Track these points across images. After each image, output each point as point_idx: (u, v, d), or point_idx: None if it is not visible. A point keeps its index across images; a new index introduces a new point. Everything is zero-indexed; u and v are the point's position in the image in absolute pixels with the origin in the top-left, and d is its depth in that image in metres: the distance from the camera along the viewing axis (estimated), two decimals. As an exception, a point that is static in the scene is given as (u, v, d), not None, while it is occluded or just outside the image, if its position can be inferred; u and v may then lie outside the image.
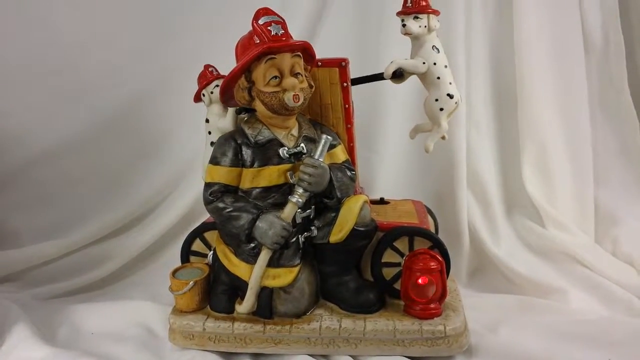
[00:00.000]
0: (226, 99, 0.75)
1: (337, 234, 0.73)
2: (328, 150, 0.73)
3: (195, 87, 0.82)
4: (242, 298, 0.74)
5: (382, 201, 0.91)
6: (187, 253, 0.83)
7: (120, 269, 1.04)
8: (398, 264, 0.77)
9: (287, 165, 0.72)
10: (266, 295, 0.73)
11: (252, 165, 0.72)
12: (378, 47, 1.09)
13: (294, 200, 0.71)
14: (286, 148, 0.73)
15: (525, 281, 0.95)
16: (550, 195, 1.08)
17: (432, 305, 0.74)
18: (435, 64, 0.78)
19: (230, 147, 0.72)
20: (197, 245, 0.82)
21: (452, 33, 1.03)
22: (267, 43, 0.68)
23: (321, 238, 0.74)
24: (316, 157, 0.71)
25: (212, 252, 0.79)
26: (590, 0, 1.09)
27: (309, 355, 0.73)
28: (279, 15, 0.71)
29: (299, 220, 0.73)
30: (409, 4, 0.77)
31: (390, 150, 1.12)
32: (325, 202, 0.75)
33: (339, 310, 0.76)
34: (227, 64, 0.74)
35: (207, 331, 0.74)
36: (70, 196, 1.12)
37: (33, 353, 0.73)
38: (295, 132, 0.75)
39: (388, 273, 0.77)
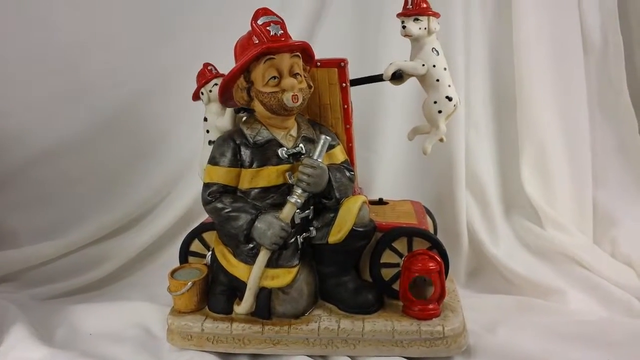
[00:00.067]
0: (225, 99, 0.75)
1: (336, 235, 0.73)
2: (327, 151, 0.73)
3: (195, 87, 0.82)
4: (241, 299, 0.74)
5: (380, 202, 0.91)
6: (185, 253, 0.83)
7: (119, 270, 1.04)
8: (397, 265, 0.77)
9: (286, 166, 0.72)
10: (265, 296, 0.73)
11: (250, 166, 0.72)
12: (377, 48, 1.09)
13: (293, 200, 0.71)
14: (285, 148, 0.73)
15: (524, 282, 0.95)
16: (549, 196, 1.08)
17: (431, 306, 0.74)
18: (434, 66, 0.78)
19: (229, 148, 0.72)
20: (196, 246, 0.82)
21: (451, 34, 1.03)
22: (266, 43, 0.68)
23: (320, 238, 0.74)
24: (315, 157, 0.71)
25: (210, 252, 0.79)
26: (589, 1, 1.09)
27: (307, 355, 0.73)
28: (278, 16, 0.71)
29: (297, 220, 0.73)
30: (409, 6, 0.77)
31: (389, 151, 1.12)
32: (324, 202, 0.75)
33: (338, 311, 0.76)
34: (226, 64, 0.74)
35: (206, 332, 0.74)
36: (68, 196, 1.12)
37: (31, 354, 0.73)
38: (294, 132, 0.75)
39: (387, 274, 0.77)
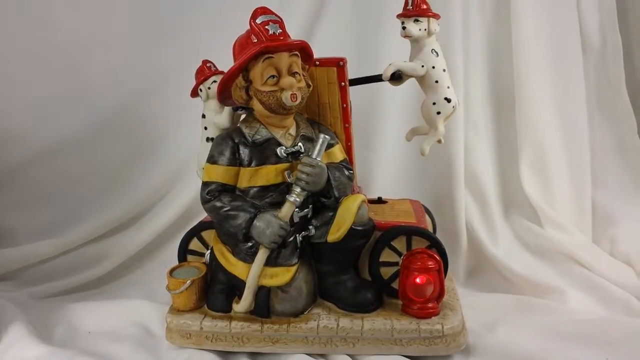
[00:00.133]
0: (223, 98, 0.75)
1: (335, 233, 0.73)
2: (326, 150, 0.73)
3: (194, 84, 0.82)
4: (240, 297, 0.74)
5: (379, 200, 0.91)
6: (184, 252, 0.83)
7: (117, 268, 1.04)
8: (396, 264, 0.77)
9: (285, 165, 0.73)
10: (264, 295, 0.73)
11: (249, 165, 0.72)
12: (376, 47, 1.09)
13: (292, 199, 0.71)
14: (284, 147, 0.73)
15: (523, 281, 0.96)
16: (548, 196, 1.08)
17: (430, 305, 0.74)
18: (434, 67, 0.78)
19: (228, 146, 0.72)
20: (195, 244, 0.82)
21: (449, 34, 1.03)
22: (264, 42, 0.68)
23: (319, 237, 0.74)
24: (314, 156, 0.71)
25: (209, 251, 0.79)
26: (588, 1, 1.10)
27: (306, 354, 0.73)
28: (276, 15, 0.71)
29: (296, 219, 0.73)
30: (409, 7, 0.77)
31: (388, 150, 1.12)
32: (322, 201, 0.75)
33: (337, 310, 0.76)
34: (225, 63, 0.74)
35: (205, 330, 0.74)
36: (67, 195, 1.12)
37: (29, 352, 0.73)
38: (292, 131, 0.75)
39: (386, 272, 0.78)
